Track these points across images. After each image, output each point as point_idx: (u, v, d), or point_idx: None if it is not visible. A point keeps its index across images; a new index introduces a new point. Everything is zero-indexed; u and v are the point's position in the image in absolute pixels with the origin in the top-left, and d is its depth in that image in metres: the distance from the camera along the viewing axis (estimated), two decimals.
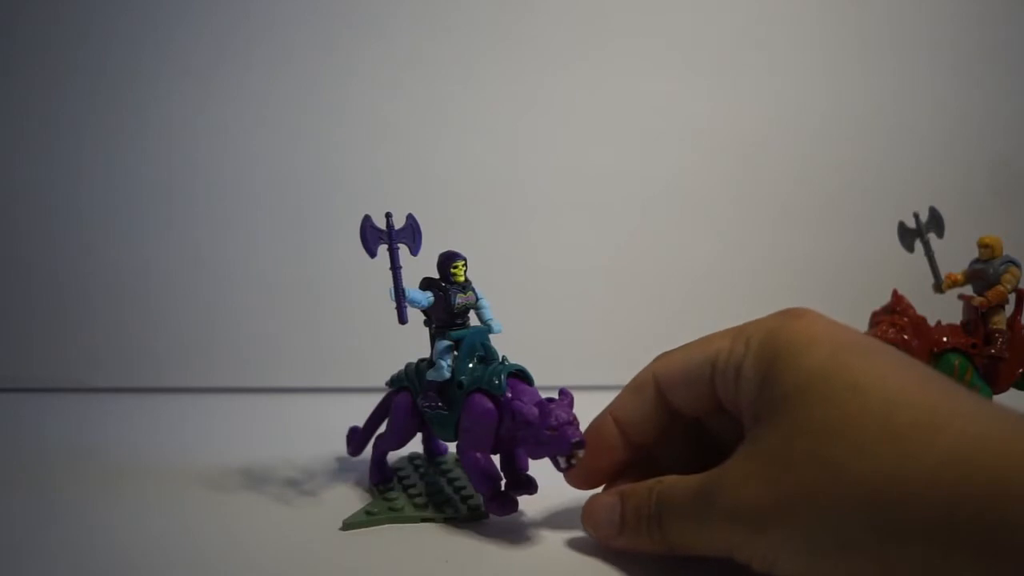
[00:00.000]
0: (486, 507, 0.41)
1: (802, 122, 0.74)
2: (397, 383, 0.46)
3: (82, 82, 0.71)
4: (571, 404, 0.38)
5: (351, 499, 0.45)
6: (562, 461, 0.37)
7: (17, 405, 0.70)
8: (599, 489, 0.40)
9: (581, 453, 0.37)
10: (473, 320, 0.43)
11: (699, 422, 0.39)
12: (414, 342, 0.45)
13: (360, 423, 0.49)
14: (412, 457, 0.50)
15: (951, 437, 0.26)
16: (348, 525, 0.41)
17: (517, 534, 0.40)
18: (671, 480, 0.35)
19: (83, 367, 0.73)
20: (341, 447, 0.50)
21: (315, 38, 0.71)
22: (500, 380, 0.40)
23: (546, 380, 0.42)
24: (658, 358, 0.38)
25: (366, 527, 0.41)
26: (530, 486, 0.42)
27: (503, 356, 0.42)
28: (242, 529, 0.41)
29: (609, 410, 0.39)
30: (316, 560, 0.38)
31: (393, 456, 0.48)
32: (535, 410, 0.37)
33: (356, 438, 0.50)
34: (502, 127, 0.73)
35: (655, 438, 0.38)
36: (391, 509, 0.42)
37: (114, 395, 0.72)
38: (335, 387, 0.71)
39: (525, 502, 0.41)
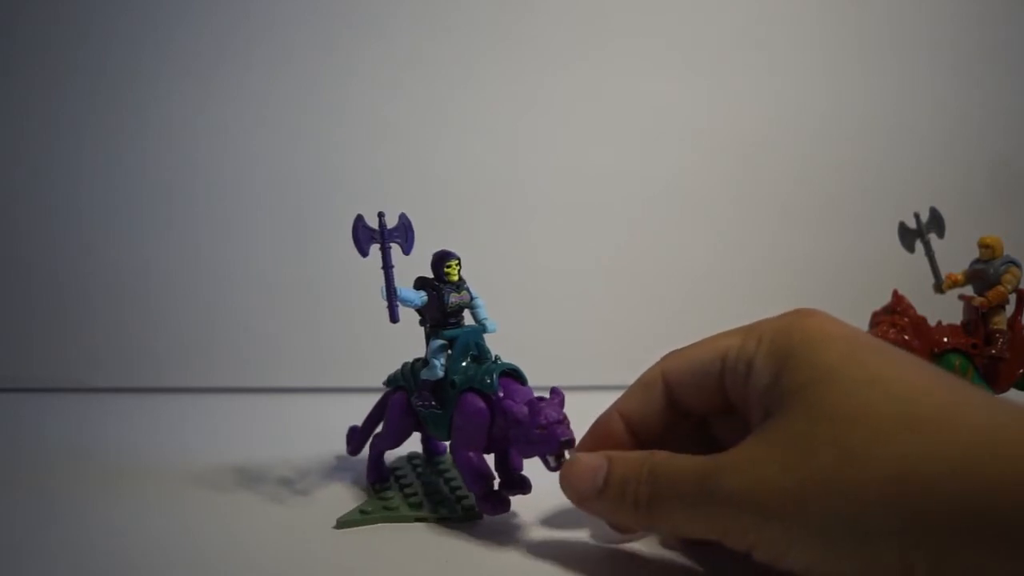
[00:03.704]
0: (478, 506, 0.41)
1: (802, 122, 0.74)
2: (393, 383, 0.46)
3: (82, 82, 0.72)
4: (562, 403, 0.38)
5: (348, 498, 0.45)
6: (551, 460, 0.37)
7: (17, 405, 0.70)
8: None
9: (569, 453, 0.37)
10: (468, 319, 0.43)
11: (706, 423, 0.38)
12: (413, 342, 0.45)
13: (359, 423, 0.49)
14: (411, 457, 0.50)
15: (969, 430, 0.27)
16: (342, 523, 0.41)
17: (511, 534, 0.40)
18: (666, 455, 0.34)
19: (83, 367, 0.73)
20: (340, 447, 0.50)
21: (315, 38, 0.71)
22: (492, 379, 0.40)
23: (545, 380, 0.42)
24: (667, 355, 0.38)
25: (360, 526, 0.41)
26: (524, 486, 0.42)
27: (496, 355, 0.42)
28: (241, 529, 0.41)
29: (616, 406, 0.39)
30: (313, 559, 0.38)
31: (392, 455, 0.48)
32: (525, 409, 0.38)
33: (355, 437, 0.50)
34: (502, 127, 0.73)
35: (661, 436, 0.38)
36: (385, 508, 0.42)
37: (114, 395, 0.72)
38: (335, 387, 0.71)
39: (519, 502, 0.41)
